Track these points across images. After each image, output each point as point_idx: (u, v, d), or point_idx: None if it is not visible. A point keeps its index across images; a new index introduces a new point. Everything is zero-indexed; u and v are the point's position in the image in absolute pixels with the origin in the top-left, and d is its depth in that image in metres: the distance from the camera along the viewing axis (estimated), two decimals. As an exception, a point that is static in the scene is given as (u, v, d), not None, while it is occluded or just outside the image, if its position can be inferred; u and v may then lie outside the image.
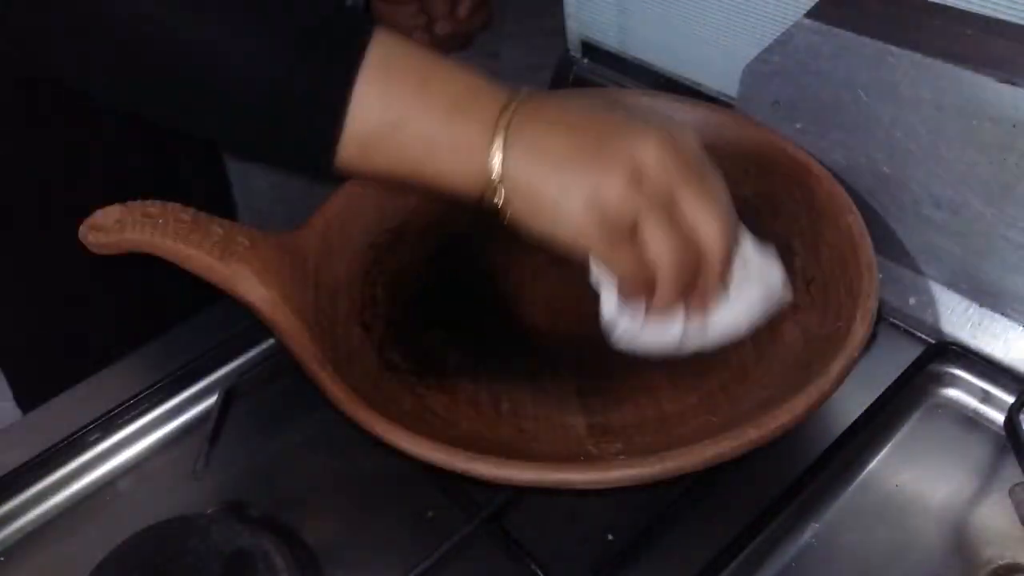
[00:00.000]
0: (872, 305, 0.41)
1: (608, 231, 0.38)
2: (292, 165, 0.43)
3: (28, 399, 0.58)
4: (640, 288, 0.40)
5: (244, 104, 0.38)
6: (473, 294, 0.51)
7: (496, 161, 0.38)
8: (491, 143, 0.38)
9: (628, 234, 0.38)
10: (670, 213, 0.38)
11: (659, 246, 0.38)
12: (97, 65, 0.39)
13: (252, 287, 0.43)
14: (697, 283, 0.40)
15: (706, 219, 0.38)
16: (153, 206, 0.43)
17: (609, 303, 0.42)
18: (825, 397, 0.38)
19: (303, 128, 0.38)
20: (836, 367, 0.38)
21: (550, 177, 0.38)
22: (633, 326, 0.42)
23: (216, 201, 0.65)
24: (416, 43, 0.40)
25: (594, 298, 0.49)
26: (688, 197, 0.38)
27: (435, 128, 0.38)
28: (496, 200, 0.39)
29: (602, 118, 0.39)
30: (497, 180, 0.38)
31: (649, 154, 0.37)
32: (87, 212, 0.43)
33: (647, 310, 0.41)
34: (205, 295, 0.55)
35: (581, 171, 0.37)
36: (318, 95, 0.38)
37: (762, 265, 0.43)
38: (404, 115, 0.38)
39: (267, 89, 0.37)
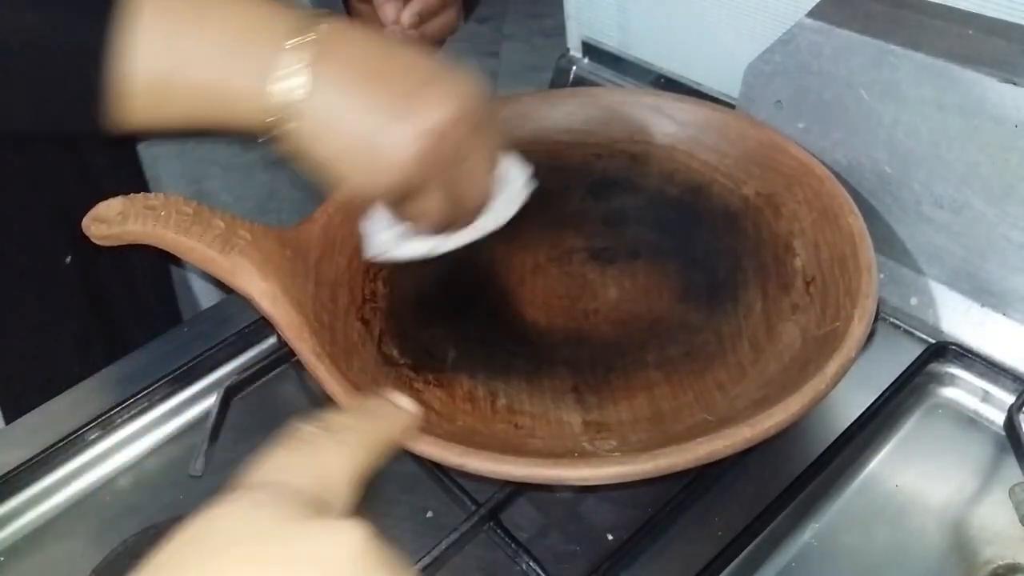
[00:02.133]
0: (870, 306, 0.41)
1: (397, 186, 0.40)
2: (69, 125, 0.41)
3: (15, 408, 0.57)
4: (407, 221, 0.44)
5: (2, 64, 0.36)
6: (472, 290, 0.51)
7: (288, 88, 0.37)
8: (278, 73, 0.37)
9: (412, 189, 0.41)
10: (452, 175, 0.41)
11: (433, 206, 0.42)
12: None
13: (252, 280, 0.43)
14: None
15: (478, 185, 0.43)
16: (155, 198, 0.44)
17: (373, 224, 0.48)
18: (821, 397, 0.38)
19: (66, 81, 0.37)
20: (832, 367, 0.38)
21: (357, 122, 0.38)
22: (390, 242, 0.48)
23: None
24: None
25: (592, 297, 0.50)
26: (472, 163, 0.41)
27: (217, 67, 0.37)
28: (285, 126, 0.38)
29: (406, 66, 0.40)
30: (290, 107, 0.38)
31: (450, 119, 0.39)
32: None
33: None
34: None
35: (388, 124, 0.38)
36: (78, 45, 0.36)
37: (512, 179, 0.48)
38: (185, 58, 0.37)
39: (21, 44, 0.36)
